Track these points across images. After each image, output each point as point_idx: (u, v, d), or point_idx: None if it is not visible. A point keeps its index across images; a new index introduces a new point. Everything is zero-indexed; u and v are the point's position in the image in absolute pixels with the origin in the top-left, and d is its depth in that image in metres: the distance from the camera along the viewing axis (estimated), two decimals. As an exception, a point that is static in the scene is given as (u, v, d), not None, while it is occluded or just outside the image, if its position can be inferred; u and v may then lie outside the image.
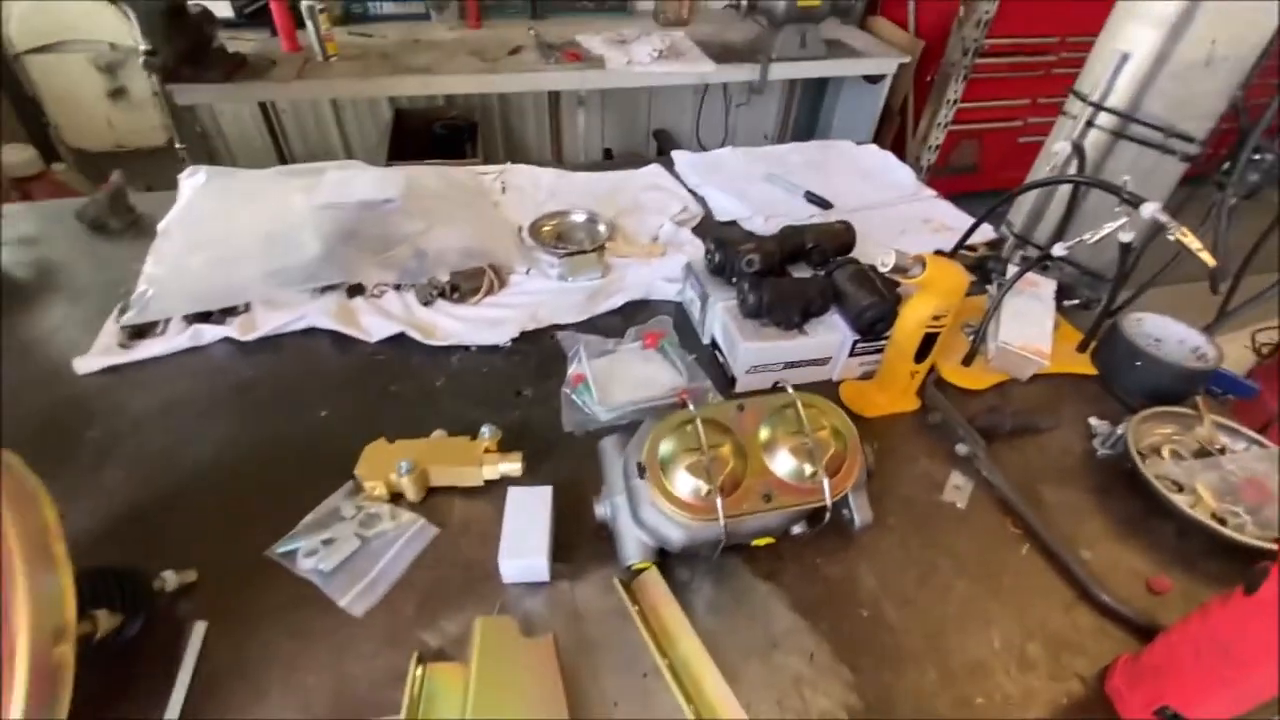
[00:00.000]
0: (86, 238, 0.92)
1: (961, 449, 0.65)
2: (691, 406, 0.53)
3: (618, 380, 0.71)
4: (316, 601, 0.51)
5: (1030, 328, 0.73)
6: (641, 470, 0.50)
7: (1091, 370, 0.76)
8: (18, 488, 0.38)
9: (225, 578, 0.52)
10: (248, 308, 0.77)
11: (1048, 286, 0.77)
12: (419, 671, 0.46)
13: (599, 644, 0.50)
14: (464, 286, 0.82)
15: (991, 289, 0.73)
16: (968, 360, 0.75)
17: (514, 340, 0.76)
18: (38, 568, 0.35)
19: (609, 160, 2.52)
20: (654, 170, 1.12)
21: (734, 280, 0.74)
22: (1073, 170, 0.75)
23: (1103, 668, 0.50)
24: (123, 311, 0.74)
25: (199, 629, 0.48)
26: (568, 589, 0.53)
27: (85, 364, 0.69)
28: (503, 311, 0.80)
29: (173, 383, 0.70)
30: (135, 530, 0.56)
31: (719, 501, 0.47)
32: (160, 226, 0.87)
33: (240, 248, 0.80)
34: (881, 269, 0.59)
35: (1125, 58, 0.71)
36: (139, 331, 0.74)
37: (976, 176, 2.78)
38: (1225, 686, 0.41)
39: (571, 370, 0.71)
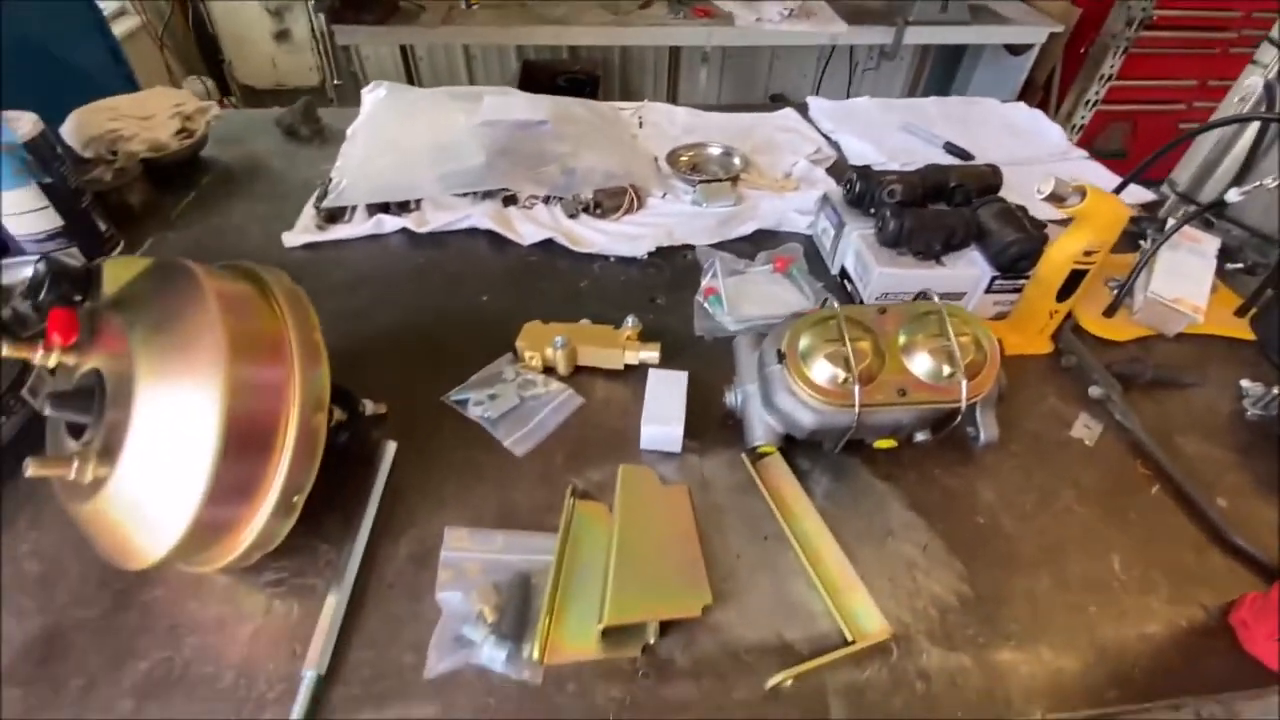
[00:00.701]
0: (282, 141, 1.05)
1: (1095, 391, 0.65)
2: (836, 305, 0.56)
3: (746, 297, 0.75)
4: (485, 441, 0.59)
5: (1185, 283, 0.70)
6: (781, 356, 0.54)
7: (1248, 335, 0.72)
8: (290, 294, 0.47)
9: (409, 414, 0.61)
10: (419, 205, 0.87)
11: (1211, 244, 0.73)
12: (571, 502, 0.52)
13: (724, 508, 0.55)
14: (606, 204, 0.88)
15: (1145, 244, 0.70)
16: (1110, 312, 0.73)
17: (651, 255, 0.82)
18: (308, 355, 0.44)
19: (728, 119, 2.50)
20: (788, 113, 1.13)
21: (872, 211, 0.75)
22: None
23: (1228, 602, 0.50)
24: (321, 198, 0.85)
25: (390, 448, 0.57)
26: (697, 462, 0.59)
27: (291, 239, 0.81)
28: (640, 229, 0.85)
29: (359, 261, 0.80)
30: (335, 372, 0.66)
31: (856, 389, 0.51)
32: (349, 130, 0.99)
33: (414, 152, 0.89)
34: (1038, 196, 0.59)
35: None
36: (332, 216, 0.85)
37: (1124, 163, 2.56)
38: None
39: (705, 282, 0.76)
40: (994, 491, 0.57)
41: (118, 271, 0.44)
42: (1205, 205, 0.68)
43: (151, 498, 0.39)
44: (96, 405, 0.41)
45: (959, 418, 0.52)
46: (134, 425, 0.39)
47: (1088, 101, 2.36)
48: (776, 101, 1.18)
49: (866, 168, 0.77)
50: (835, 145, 1.07)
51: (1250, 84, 0.70)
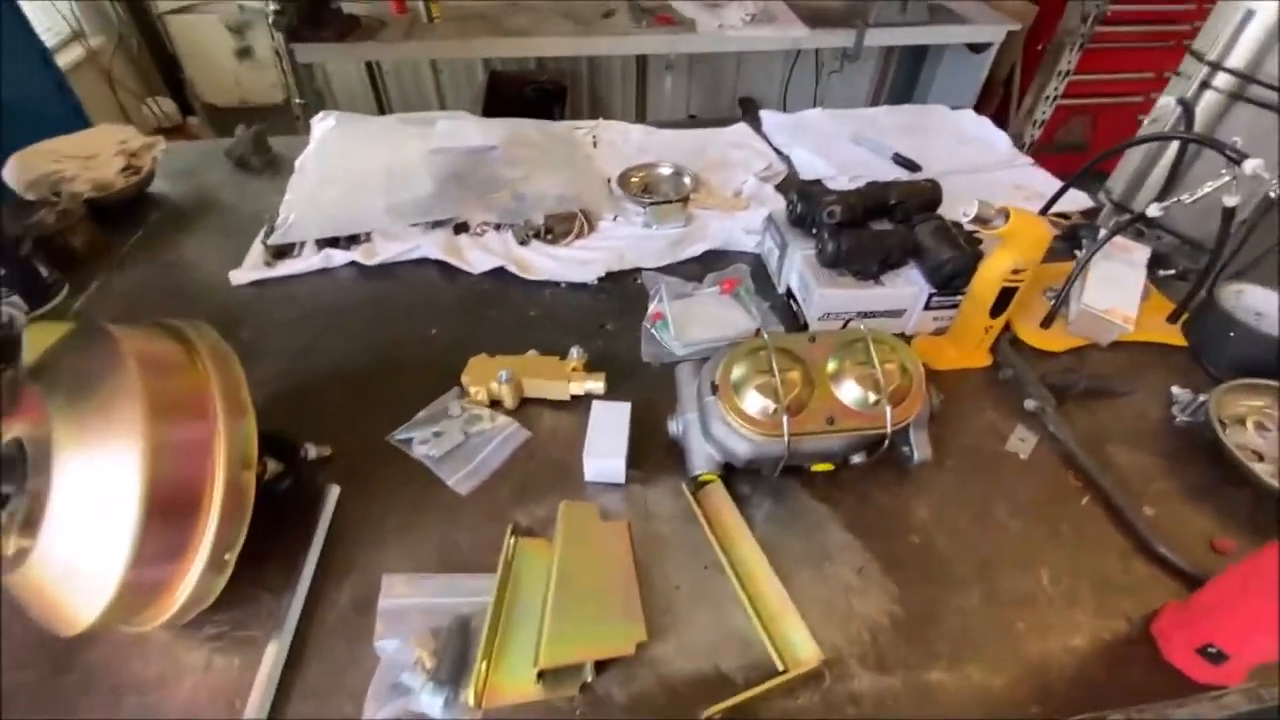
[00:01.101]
0: (232, 172, 1.05)
1: (1030, 404, 0.67)
2: (765, 337, 0.57)
3: (694, 320, 0.76)
4: (429, 480, 0.60)
5: (1117, 292, 0.72)
6: (714, 388, 0.55)
7: (1180, 341, 0.74)
8: (215, 352, 0.47)
9: (353, 455, 0.61)
10: (369, 238, 0.87)
11: (1141, 253, 0.75)
12: (512, 540, 0.53)
13: (665, 539, 0.56)
14: (557, 229, 0.88)
15: (1080, 254, 0.72)
16: (1047, 323, 0.75)
17: (600, 280, 0.83)
18: (232, 412, 0.44)
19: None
20: (740, 129, 1.14)
21: (814, 231, 0.76)
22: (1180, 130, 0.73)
23: (1151, 612, 0.52)
24: (268, 234, 0.85)
25: (333, 492, 0.58)
26: (640, 491, 0.60)
27: (238, 276, 0.81)
28: (591, 254, 0.86)
29: (308, 296, 0.80)
30: (279, 412, 0.66)
31: (785, 419, 0.52)
32: (297, 162, 0.98)
33: (364, 183, 0.89)
34: (963, 219, 0.61)
35: (1250, 14, 0.68)
36: (280, 252, 0.85)
37: (1085, 156, 2.60)
38: (1273, 624, 0.42)
39: (652, 308, 0.76)
40: (929, 509, 0.59)
41: (38, 337, 0.45)
42: (1130, 218, 0.70)
43: (77, 565, 0.40)
44: (18, 475, 0.41)
45: (885, 443, 0.54)
46: (54, 494, 0.39)
47: (1048, 97, 2.40)
48: (745, 105, 1.19)
49: (808, 187, 0.78)
50: (787, 160, 1.08)
51: (1164, 104, 0.73)
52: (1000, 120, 2.56)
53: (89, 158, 0.89)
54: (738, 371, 0.55)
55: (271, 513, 0.56)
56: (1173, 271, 0.79)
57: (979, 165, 1.07)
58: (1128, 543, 0.57)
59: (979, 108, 2.50)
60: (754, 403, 0.54)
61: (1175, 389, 0.68)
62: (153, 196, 0.97)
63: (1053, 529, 0.57)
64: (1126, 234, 0.80)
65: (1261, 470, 0.59)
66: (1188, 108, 0.71)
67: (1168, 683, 0.48)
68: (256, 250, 0.85)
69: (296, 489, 0.56)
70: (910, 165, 1.04)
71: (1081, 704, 0.47)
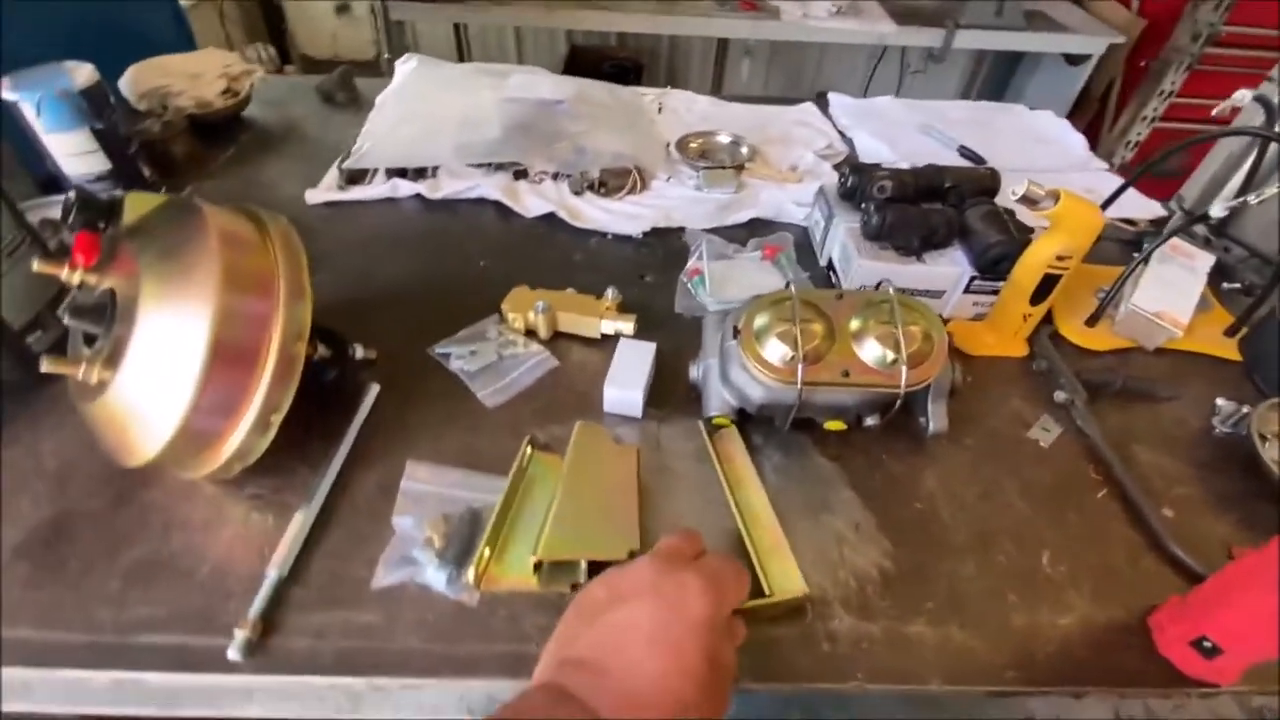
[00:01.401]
0: (319, 107, 1.12)
1: (1060, 395, 0.65)
2: (793, 289, 0.58)
3: (731, 280, 0.77)
4: (461, 392, 0.64)
5: (1171, 296, 0.70)
6: (736, 332, 0.57)
7: (1234, 356, 0.71)
8: (285, 237, 0.52)
9: (396, 362, 0.66)
10: (435, 174, 0.92)
11: (1203, 261, 0.73)
12: (528, 450, 0.56)
13: (674, 472, 0.58)
14: (611, 183, 0.91)
15: (1138, 256, 0.70)
16: (1092, 321, 0.73)
17: (646, 235, 0.85)
18: (293, 291, 0.49)
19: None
20: (806, 107, 1.14)
21: (863, 206, 0.77)
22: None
23: (1152, 606, 0.51)
24: (344, 160, 0.91)
25: (374, 389, 0.62)
26: (655, 428, 0.62)
27: (313, 196, 0.87)
28: (641, 209, 0.88)
29: (373, 221, 0.86)
30: (335, 317, 0.71)
31: (800, 366, 0.53)
32: (378, 99, 1.05)
33: (436, 122, 0.94)
34: (1012, 198, 0.60)
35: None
36: (353, 179, 0.91)
37: (1178, 182, 2.46)
38: (1268, 622, 0.41)
39: (691, 263, 0.78)
40: (938, 481, 0.59)
41: (137, 203, 0.50)
42: (1192, 218, 0.68)
43: (146, 403, 0.45)
44: (107, 319, 0.46)
45: (898, 403, 0.54)
46: (135, 339, 0.44)
47: (1145, 118, 2.27)
48: (821, 100, 1.19)
49: (858, 165, 0.78)
50: (850, 142, 1.08)
51: (1240, 95, 0.69)
52: (1091, 138, 2.46)
53: (194, 76, 0.97)
54: (761, 319, 0.57)
55: (318, 399, 0.61)
56: (1238, 285, 0.76)
57: (1050, 166, 1.04)
58: (1140, 539, 0.56)
59: (1070, 121, 2.40)
60: (773, 350, 0.55)
61: (1220, 400, 0.66)
62: (246, 120, 1.05)
63: (1061, 516, 0.57)
64: (1195, 243, 0.77)
65: (1299, 489, 0.57)
66: (1267, 104, 0.67)
67: (1156, 673, 0.47)
68: (332, 174, 0.91)
69: (341, 382, 0.61)
70: (976, 159, 1.02)
71: (1060, 678, 0.47)
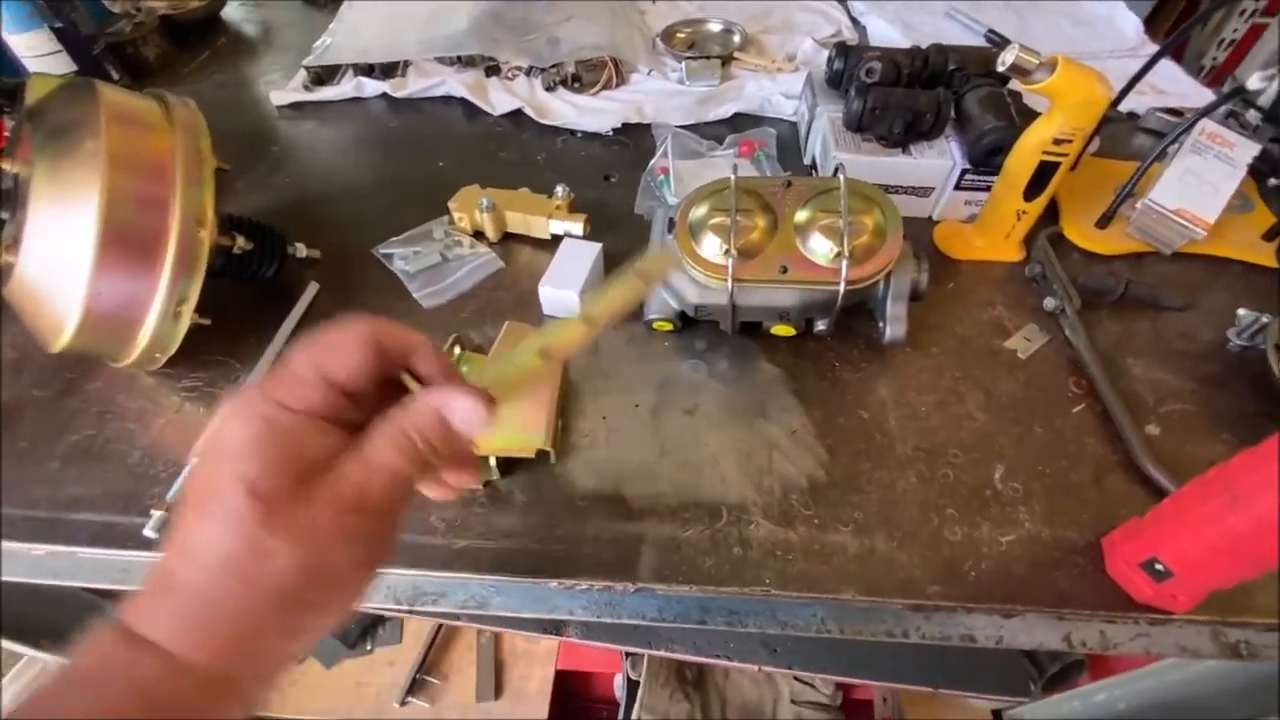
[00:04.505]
0: (300, 8, 1.08)
1: (1050, 303, 0.59)
2: (733, 176, 0.52)
3: (699, 180, 0.71)
4: (400, 292, 0.62)
5: (1197, 192, 0.61)
6: (671, 225, 0.52)
7: (1272, 263, 0.62)
8: (189, 120, 0.50)
9: (339, 261, 0.64)
10: (405, 71, 0.87)
11: (1245, 150, 0.62)
12: (456, 350, 0.55)
13: (607, 375, 0.56)
14: (586, 77, 0.85)
15: (1163, 143, 0.60)
16: (1104, 222, 0.64)
17: (617, 132, 0.79)
18: (190, 179, 0.47)
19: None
20: (817, -9, 1.02)
21: (848, 92, 0.69)
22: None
23: (1112, 528, 0.46)
24: (308, 59, 0.88)
25: (312, 288, 0.61)
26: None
27: (279, 97, 0.85)
28: (612, 105, 0.82)
29: (337, 122, 0.83)
30: (288, 217, 0.70)
31: (731, 263, 0.49)
32: (348, -6, 0.99)
33: (403, 16, 0.89)
34: (1000, 68, 0.52)
35: None
36: (321, 79, 0.87)
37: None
38: (1223, 541, 0.36)
39: (656, 160, 0.73)
40: (891, 389, 0.54)
41: (39, 86, 0.49)
42: (1225, 94, 0.57)
43: (48, 287, 0.45)
44: (11, 203, 0.46)
45: (838, 303, 0.49)
46: (30, 222, 0.44)
47: (1244, 11, 1.96)
48: None
49: (845, 46, 0.69)
50: (863, 30, 0.97)
51: None
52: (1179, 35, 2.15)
53: (166, -27, 0.94)
54: (698, 211, 0.52)
55: (256, 297, 0.61)
56: (1289, 181, 0.65)
57: (1093, 53, 0.90)
58: (1113, 458, 0.50)
59: (1153, 20, 2.10)
60: (709, 245, 0.51)
61: (1242, 310, 0.58)
62: (223, 22, 1.02)
63: (1026, 430, 0.52)
64: (1245, 134, 0.66)
65: (1315, 408, 0.50)
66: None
67: (1100, 596, 0.43)
68: (299, 75, 0.88)
69: (281, 280, 0.61)
70: (1004, 44, 0.90)
71: (989, 595, 0.43)
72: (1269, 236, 0.63)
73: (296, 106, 0.85)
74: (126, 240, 0.45)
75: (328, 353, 0.25)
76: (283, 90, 0.85)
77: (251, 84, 0.90)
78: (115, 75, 0.84)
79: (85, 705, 0.21)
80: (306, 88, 0.86)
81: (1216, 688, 0.76)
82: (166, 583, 0.23)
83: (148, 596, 0.23)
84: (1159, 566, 0.41)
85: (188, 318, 0.49)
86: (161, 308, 0.47)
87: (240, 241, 0.53)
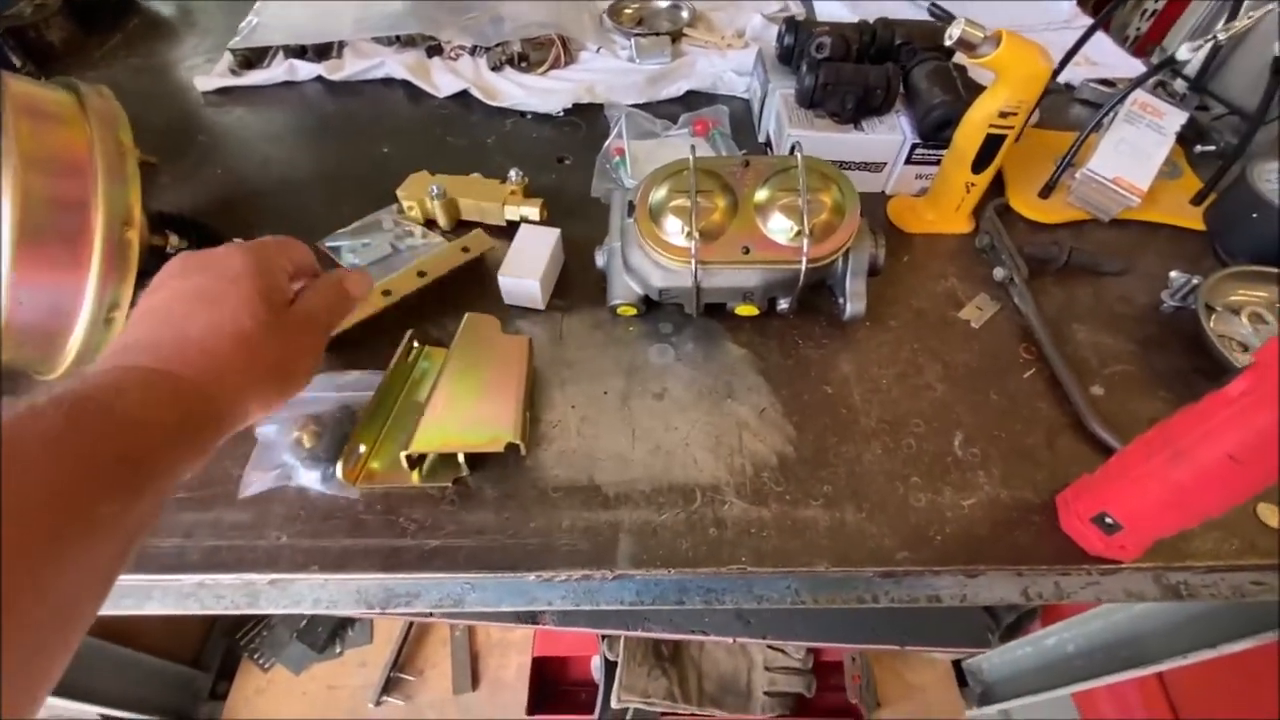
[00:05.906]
0: (222, -16, 1.01)
1: (999, 273, 0.61)
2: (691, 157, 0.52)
3: (655, 160, 0.70)
4: (348, 286, 0.59)
5: (1131, 161, 0.63)
6: (631, 208, 0.52)
7: (1199, 225, 0.66)
8: (106, 110, 0.46)
9: (283, 257, 0.61)
10: (340, 54, 0.83)
11: (1174, 118, 0.65)
12: (414, 344, 0.53)
13: (573, 363, 0.55)
14: (533, 56, 0.82)
15: (1099, 114, 0.63)
16: (1046, 192, 0.67)
17: (568, 113, 0.78)
18: (112, 175, 0.44)
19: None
20: (763, -35, 1.01)
21: (799, 68, 0.69)
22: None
23: (1065, 486, 0.48)
24: (233, 41, 0.83)
25: (257, 286, 0.58)
26: (559, 319, 0.58)
27: (204, 83, 0.79)
28: (561, 84, 0.80)
29: (269, 108, 0.78)
30: (222, 212, 0.66)
31: (694, 245, 0.49)
32: (274, -30, 0.93)
33: (338, -4, 0.84)
34: (947, 41, 0.53)
35: None
36: (248, 62, 0.82)
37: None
38: (1167, 494, 0.39)
39: (611, 141, 0.72)
40: (854, 364, 0.55)
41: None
42: (1156, 65, 0.60)
43: (-39, 298, 0.41)
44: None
45: (800, 281, 0.50)
46: (-65, 226, 0.40)
47: (1145, 11, 2.04)
48: None
49: (795, 22, 0.69)
50: (809, 4, 0.97)
51: None
52: (1099, 7, 2.23)
53: (66, -52, 0.86)
54: (658, 193, 0.51)
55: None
56: (1213, 148, 0.69)
57: (1028, 26, 0.93)
58: (1063, 419, 0.53)
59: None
60: (671, 227, 0.50)
61: (1174, 273, 0.61)
62: (135, 2, 0.95)
63: (983, 397, 0.54)
64: (1172, 102, 0.69)
65: (1241, 362, 0.53)
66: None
67: (1055, 551, 0.46)
68: (225, 59, 0.82)
69: (220, 280, 0.57)
70: (946, 17, 0.91)
71: (954, 557, 0.45)
72: (1196, 201, 0.66)
73: (224, 92, 0.80)
74: (45, 245, 0.41)
75: (292, 245, 0.41)
76: (208, 75, 0.80)
77: (172, 69, 0.84)
78: (17, 63, 0.77)
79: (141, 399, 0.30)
80: (234, 71, 0.81)
81: (1156, 624, 0.82)
82: (183, 348, 0.33)
83: (173, 360, 0.32)
84: (1109, 520, 0.43)
85: (121, 323, 0.46)
86: (91, 315, 0.44)
87: (174, 240, 0.50)
